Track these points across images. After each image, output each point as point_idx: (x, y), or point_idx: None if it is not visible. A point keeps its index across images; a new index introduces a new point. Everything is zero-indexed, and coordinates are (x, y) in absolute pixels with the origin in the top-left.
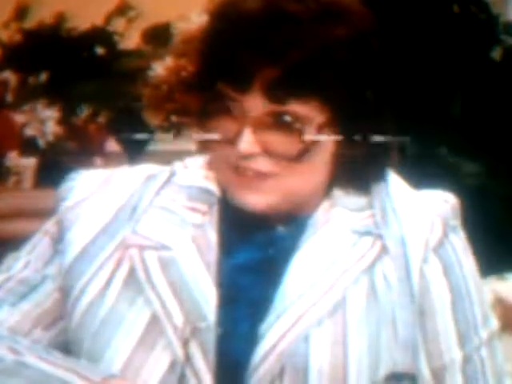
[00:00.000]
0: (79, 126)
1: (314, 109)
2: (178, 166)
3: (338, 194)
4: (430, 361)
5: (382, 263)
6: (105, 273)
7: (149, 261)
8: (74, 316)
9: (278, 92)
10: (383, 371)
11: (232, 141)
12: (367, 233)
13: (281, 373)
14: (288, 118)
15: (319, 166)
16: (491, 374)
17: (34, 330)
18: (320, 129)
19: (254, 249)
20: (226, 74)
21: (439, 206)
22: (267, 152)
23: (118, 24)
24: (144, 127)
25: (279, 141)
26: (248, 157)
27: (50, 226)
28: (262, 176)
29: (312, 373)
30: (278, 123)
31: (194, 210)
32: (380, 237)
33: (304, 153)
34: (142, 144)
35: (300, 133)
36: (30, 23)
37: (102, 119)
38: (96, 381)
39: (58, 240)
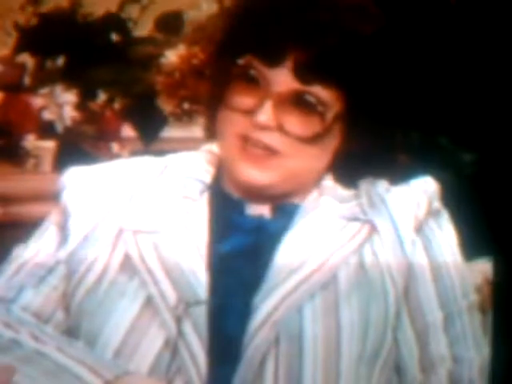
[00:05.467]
0: (96, 111)
1: (333, 96)
2: (171, 158)
3: (327, 184)
4: (413, 324)
5: (371, 243)
6: (102, 258)
7: (142, 244)
8: (74, 302)
9: (307, 72)
10: (370, 348)
11: (250, 111)
12: (355, 218)
13: (276, 341)
14: (312, 99)
15: (325, 153)
16: (472, 337)
17: (55, 314)
18: (335, 117)
19: (243, 235)
20: (259, 48)
21: (423, 186)
22: (282, 129)
23: (132, 11)
24: (158, 114)
25: (297, 120)
26: (263, 129)
27: (54, 215)
28: (269, 152)
29: (307, 340)
30: (300, 102)
31: (185, 197)
32: (368, 221)
33: (318, 136)
34: (156, 130)
35: (321, 115)
36: (46, 7)
37: (117, 105)
38: (107, 378)
39: (64, 227)
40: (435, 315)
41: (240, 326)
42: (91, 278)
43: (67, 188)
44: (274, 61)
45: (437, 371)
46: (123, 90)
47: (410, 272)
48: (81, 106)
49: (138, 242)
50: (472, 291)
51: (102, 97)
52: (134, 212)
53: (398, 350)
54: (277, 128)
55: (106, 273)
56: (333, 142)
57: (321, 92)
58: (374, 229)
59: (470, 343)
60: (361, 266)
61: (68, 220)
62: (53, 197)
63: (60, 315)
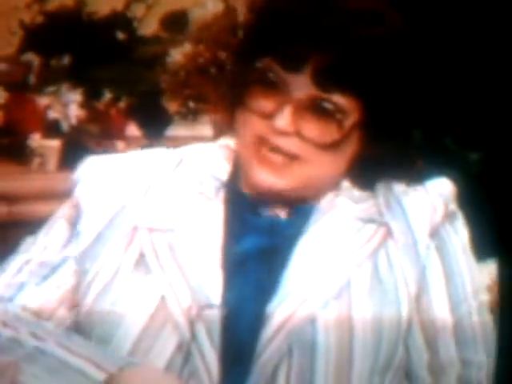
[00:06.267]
0: (101, 110)
1: (352, 104)
2: (187, 150)
3: (343, 184)
4: (423, 329)
5: (386, 247)
6: (117, 256)
7: (157, 243)
8: (87, 300)
9: (325, 79)
10: (382, 359)
11: (268, 115)
12: (371, 220)
13: (289, 351)
14: (330, 106)
15: (342, 159)
16: (482, 339)
17: (56, 312)
18: (353, 125)
19: (258, 235)
20: (279, 52)
21: (439, 189)
22: (300, 135)
23: (138, 10)
24: (163, 112)
25: (316, 126)
26: (281, 134)
27: (65, 209)
28: (286, 157)
29: (319, 351)
30: (319, 109)
31: (201, 194)
32: (384, 224)
33: (336, 144)
34: (161, 129)
35: (339, 122)
36: (51, 6)
37: (122, 104)
38: (111, 370)
39: (75, 223)
40: (445, 320)
41: (253, 332)
42: (104, 277)
43: (81, 182)
44: (293, 66)
45: (446, 374)
46: (128, 89)
47: (422, 279)
48: (86, 104)
49: (153, 240)
50: (482, 292)
51: (107, 96)
52: (148, 208)
53: (407, 356)
54: (295, 133)
55: (119, 272)
56: (350, 148)
57: (340, 99)
58: (389, 233)
59: (479, 346)
60: (375, 272)
61: (81, 216)
62: (58, 195)
63: (62, 314)
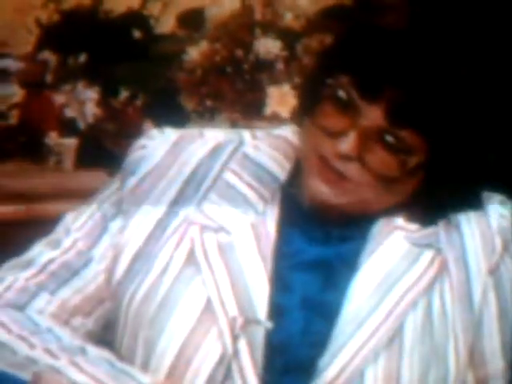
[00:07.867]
0: (118, 108)
1: (420, 145)
2: (246, 134)
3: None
4: (474, 370)
5: (441, 284)
6: (167, 251)
7: (208, 243)
8: (134, 303)
9: (400, 114)
10: None
11: (333, 135)
12: (427, 246)
13: None
14: (397, 142)
15: (399, 193)
16: None
17: (72, 319)
18: (417, 166)
19: (311, 245)
20: (359, 78)
21: (499, 223)
22: (362, 161)
23: (154, 8)
24: (180, 111)
25: (379, 158)
26: (343, 158)
27: (105, 200)
28: (343, 178)
29: None
30: (385, 142)
31: (257, 192)
32: (440, 250)
33: (395, 180)
34: (177, 127)
35: (403, 161)
36: (68, 4)
37: (139, 102)
38: None
39: (112, 218)
40: (497, 367)
41: (297, 351)
42: (153, 275)
43: (132, 172)
44: (369, 94)
45: None
46: (145, 87)
47: (476, 330)
48: (102, 103)
49: (204, 238)
50: None
51: (123, 94)
52: (203, 203)
53: None
54: (357, 159)
55: (168, 268)
56: (411, 185)
57: (408, 137)
58: (444, 265)
59: None
60: (428, 315)
61: (129, 214)
62: (74, 194)
63: (78, 321)
